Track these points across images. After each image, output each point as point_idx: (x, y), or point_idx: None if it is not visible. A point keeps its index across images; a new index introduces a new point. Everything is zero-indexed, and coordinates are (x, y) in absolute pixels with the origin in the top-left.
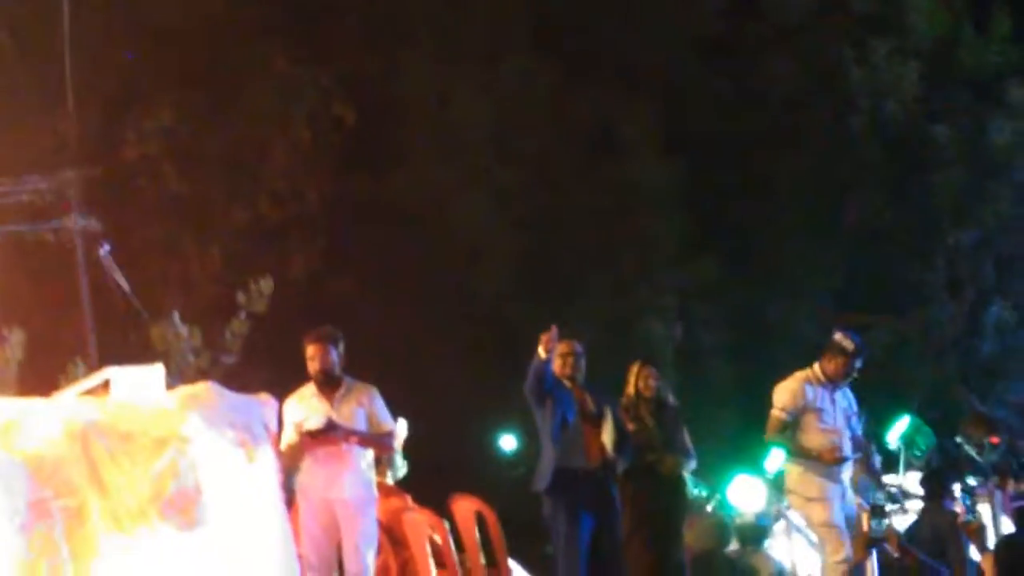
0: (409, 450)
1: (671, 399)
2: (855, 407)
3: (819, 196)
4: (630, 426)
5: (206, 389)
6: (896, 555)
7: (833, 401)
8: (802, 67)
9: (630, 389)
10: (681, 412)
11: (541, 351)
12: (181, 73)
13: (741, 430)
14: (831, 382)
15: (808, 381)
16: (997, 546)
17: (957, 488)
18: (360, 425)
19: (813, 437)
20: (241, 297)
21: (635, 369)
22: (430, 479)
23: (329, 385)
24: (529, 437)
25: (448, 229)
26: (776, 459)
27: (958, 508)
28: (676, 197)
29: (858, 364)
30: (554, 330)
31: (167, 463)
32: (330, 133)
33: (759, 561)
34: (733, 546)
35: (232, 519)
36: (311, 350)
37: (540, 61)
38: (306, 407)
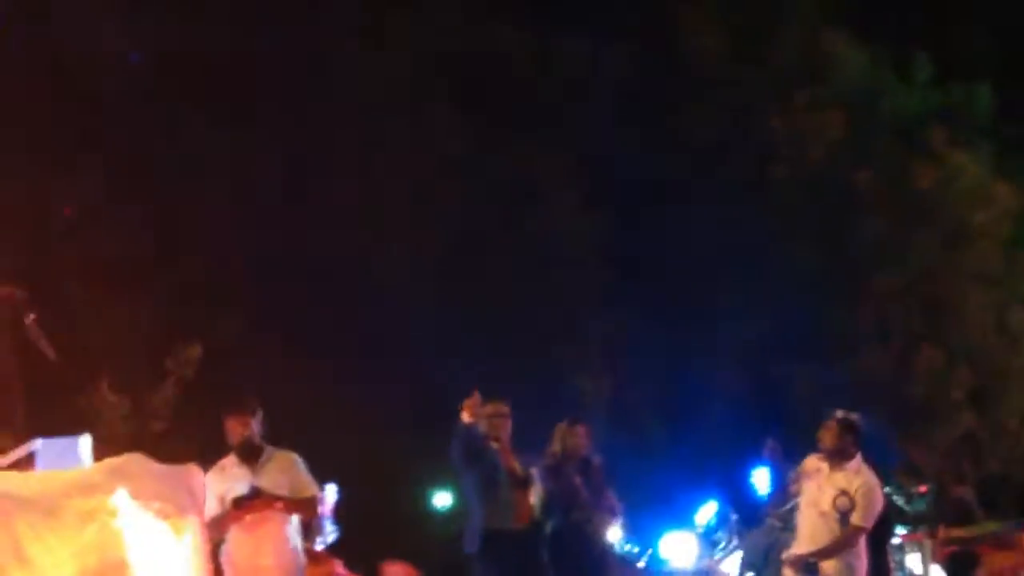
0: (340, 513)
1: (596, 458)
2: None
3: (743, 245)
4: (556, 486)
5: (132, 460)
6: None
7: None
8: (723, 117)
9: (556, 448)
10: (606, 470)
11: (465, 416)
12: (105, 137)
13: (672, 485)
14: None
15: None
16: None
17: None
18: (283, 492)
19: None
20: (169, 363)
21: (562, 428)
22: (362, 542)
23: (250, 454)
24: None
25: (370, 288)
26: (706, 514)
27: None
28: (598, 250)
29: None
30: (476, 395)
31: (92, 536)
32: (251, 192)
33: None
34: None
35: None
36: (230, 422)
37: (461, 114)
38: (228, 478)
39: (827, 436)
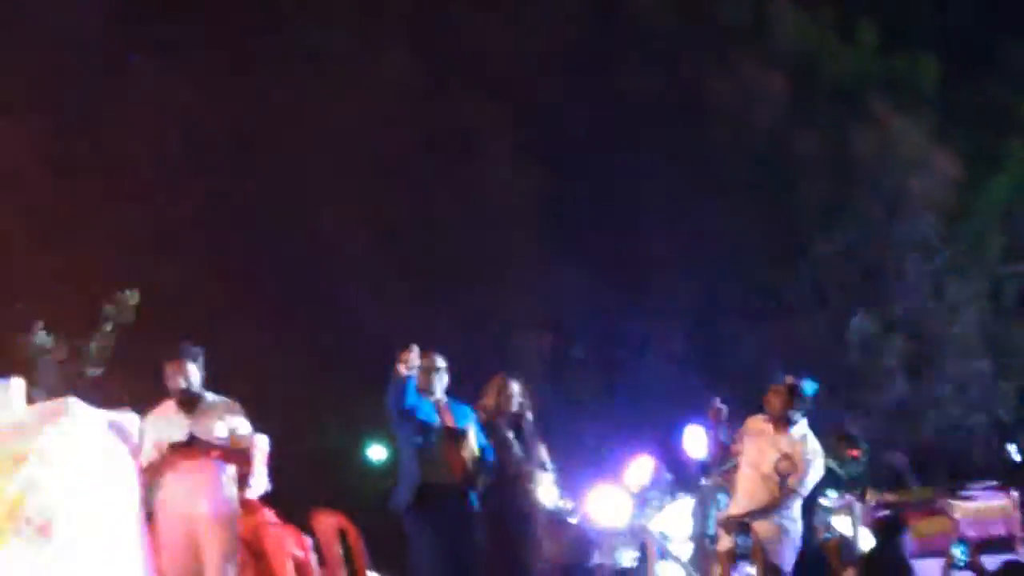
0: (273, 464)
1: (530, 413)
2: None
3: (683, 208)
4: (489, 441)
5: (67, 404)
6: (761, 571)
7: None
8: (664, 77)
9: (489, 403)
10: (539, 425)
11: (401, 368)
12: (50, 80)
13: (606, 443)
14: None
15: None
16: (860, 561)
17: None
18: (220, 441)
19: None
20: (108, 308)
21: (496, 383)
22: (296, 493)
23: (189, 401)
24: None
25: (310, 238)
26: (639, 472)
27: (818, 525)
28: (542, 207)
29: None
30: (413, 347)
31: (25, 480)
32: (196, 138)
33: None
34: (598, 558)
35: (91, 535)
36: (170, 368)
37: (408, 62)
38: (166, 424)
39: (775, 400)
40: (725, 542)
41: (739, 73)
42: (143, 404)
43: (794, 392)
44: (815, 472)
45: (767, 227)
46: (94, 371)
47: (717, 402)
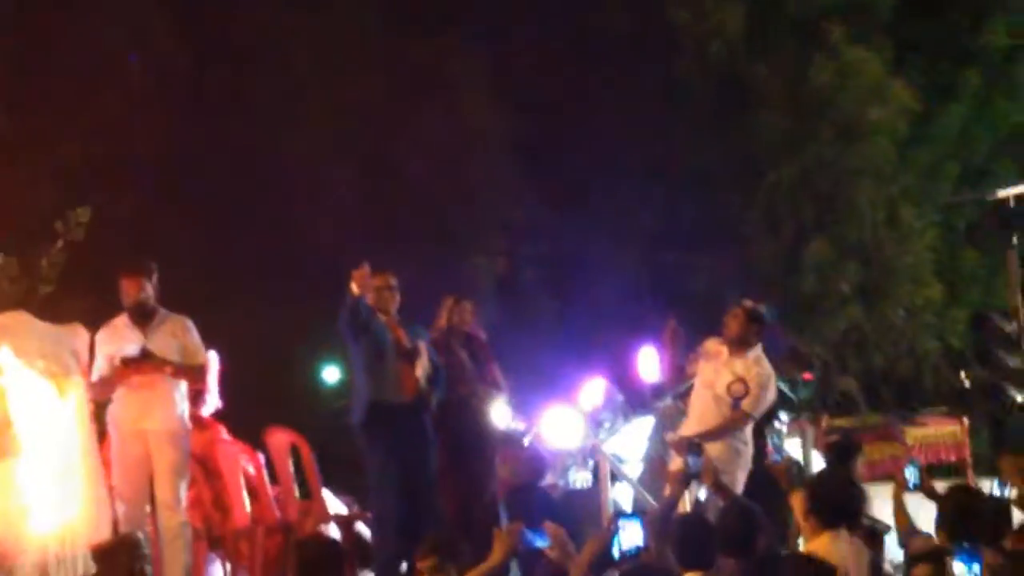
0: (227, 382)
1: (482, 334)
2: None
3: (642, 135)
4: (442, 360)
5: (16, 318)
6: (712, 490)
7: None
8: (626, 7)
9: (442, 322)
10: (492, 346)
11: (354, 287)
12: (11, 8)
13: (559, 365)
14: None
15: None
16: (810, 481)
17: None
18: (173, 356)
19: None
20: (59, 225)
21: (448, 303)
22: (249, 411)
23: (143, 316)
24: (352, 370)
25: (270, 163)
26: (592, 393)
27: (767, 447)
28: (501, 138)
29: None
30: (365, 266)
31: None
32: (163, 74)
33: (579, 495)
34: (550, 479)
35: (42, 449)
36: (125, 283)
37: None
38: (119, 338)
39: (732, 323)
40: (676, 463)
41: (700, 2)
42: (93, 322)
43: (751, 316)
44: (768, 395)
45: (723, 154)
46: (44, 288)
47: (673, 323)
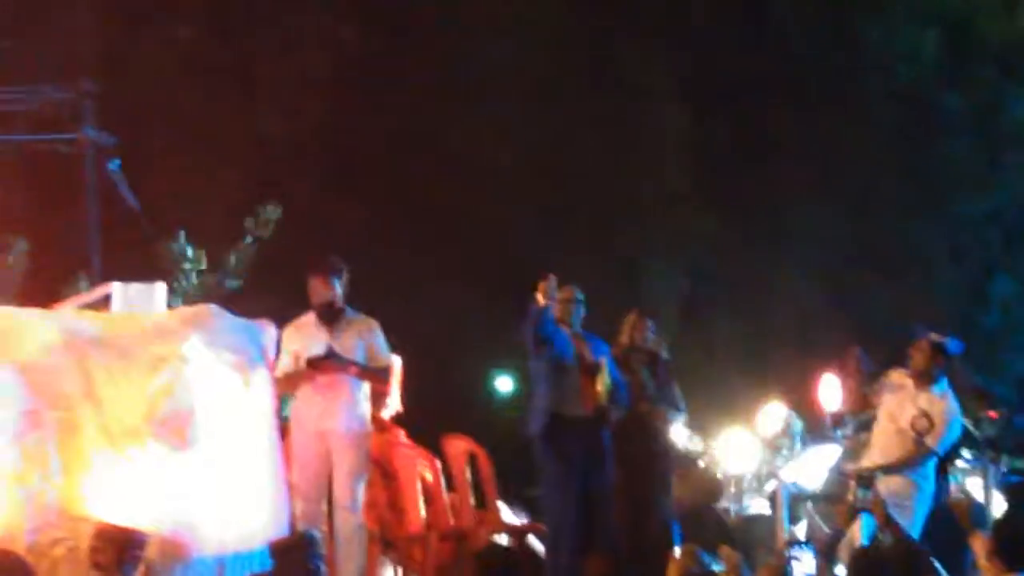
0: (405, 387)
1: (664, 352)
2: None
3: (828, 155)
4: (623, 376)
5: (207, 311)
6: (882, 526)
7: None
8: (819, 24)
9: (624, 339)
10: (673, 365)
11: (539, 297)
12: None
13: (738, 387)
14: None
15: None
16: (996, 524)
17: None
18: (359, 357)
19: None
20: (248, 222)
21: (631, 319)
22: (424, 417)
23: (330, 316)
24: (525, 381)
25: (455, 160)
26: (770, 418)
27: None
28: (689, 154)
29: None
30: (552, 278)
31: (163, 382)
32: (337, 56)
33: (754, 520)
34: (724, 502)
35: (224, 441)
36: (314, 282)
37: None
38: (306, 336)
39: (918, 356)
40: (851, 494)
41: (893, 26)
42: (277, 319)
43: (937, 349)
44: (952, 432)
45: (910, 181)
46: (232, 283)
47: (857, 351)
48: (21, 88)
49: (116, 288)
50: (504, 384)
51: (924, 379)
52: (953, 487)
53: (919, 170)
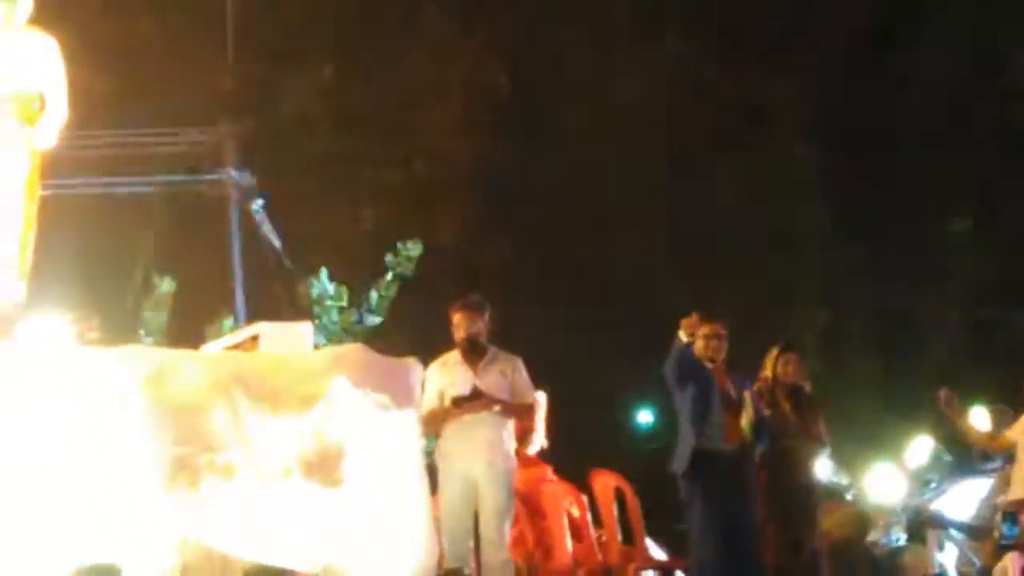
0: (548, 422)
1: (808, 385)
2: None
3: (972, 189)
4: (767, 411)
5: (354, 350)
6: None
7: None
8: (963, 54)
9: (767, 373)
10: (818, 399)
11: (682, 335)
12: (339, 31)
13: (882, 420)
14: None
15: None
16: None
17: None
18: (503, 395)
19: None
20: (389, 259)
21: (774, 353)
22: (567, 452)
23: (474, 353)
24: (665, 413)
25: (593, 201)
26: (917, 451)
27: None
28: (823, 181)
29: None
30: (694, 315)
31: (312, 422)
32: (482, 99)
33: (903, 554)
34: (872, 536)
35: (373, 481)
36: (457, 318)
37: (692, 37)
38: (450, 374)
39: None
40: (996, 529)
41: None
42: (419, 356)
43: None
44: None
45: None
46: (373, 320)
47: (947, 392)
48: (165, 130)
49: (263, 328)
50: (644, 417)
51: None
52: None
53: None
